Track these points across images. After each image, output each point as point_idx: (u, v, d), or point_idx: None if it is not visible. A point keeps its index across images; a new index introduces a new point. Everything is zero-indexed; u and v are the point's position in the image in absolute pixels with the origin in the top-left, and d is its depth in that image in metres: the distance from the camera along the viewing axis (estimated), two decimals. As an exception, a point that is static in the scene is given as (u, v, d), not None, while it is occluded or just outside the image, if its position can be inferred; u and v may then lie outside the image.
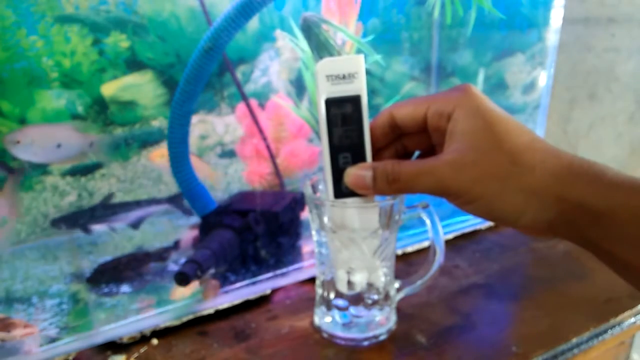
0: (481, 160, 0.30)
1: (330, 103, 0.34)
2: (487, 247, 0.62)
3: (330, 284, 0.44)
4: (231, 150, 0.62)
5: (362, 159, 0.35)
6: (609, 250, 0.29)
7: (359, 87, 0.35)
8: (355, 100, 0.34)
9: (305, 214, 0.59)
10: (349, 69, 0.34)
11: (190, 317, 0.47)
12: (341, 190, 0.36)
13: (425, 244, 0.61)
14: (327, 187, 0.36)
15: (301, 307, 0.50)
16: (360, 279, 0.42)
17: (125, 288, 0.50)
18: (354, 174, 0.35)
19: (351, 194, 0.36)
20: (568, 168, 0.30)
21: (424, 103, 0.33)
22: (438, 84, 0.73)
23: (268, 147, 0.59)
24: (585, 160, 0.30)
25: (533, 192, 0.30)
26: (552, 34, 0.71)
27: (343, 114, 0.35)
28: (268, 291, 0.52)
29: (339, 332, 0.45)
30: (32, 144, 0.46)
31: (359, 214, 0.37)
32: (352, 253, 0.40)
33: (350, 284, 0.42)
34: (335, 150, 0.35)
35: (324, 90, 0.34)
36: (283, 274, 0.54)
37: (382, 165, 0.34)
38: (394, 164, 0.33)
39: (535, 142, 0.31)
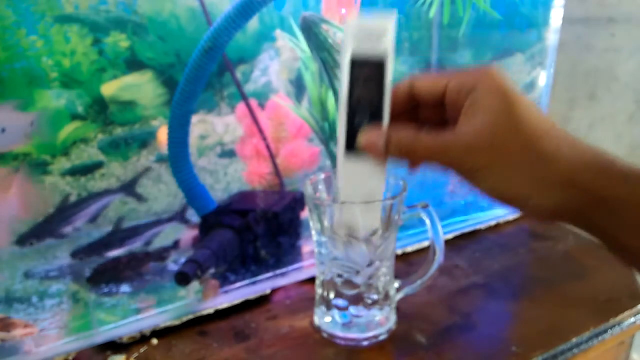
0: (496, 144, 0.30)
1: (356, 62, 0.34)
2: (487, 247, 0.62)
3: (330, 284, 0.44)
4: (231, 150, 0.62)
5: (378, 120, 0.35)
6: (615, 237, 0.30)
7: (387, 49, 0.34)
8: (381, 62, 0.34)
9: (305, 214, 0.59)
10: (379, 30, 0.33)
11: (190, 317, 0.47)
12: (352, 148, 0.35)
13: (425, 244, 0.61)
14: (338, 143, 0.35)
15: (301, 307, 0.50)
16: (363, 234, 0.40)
17: (125, 288, 0.51)
18: (368, 136, 0.34)
19: (361, 153, 0.35)
20: (581, 157, 0.30)
21: (445, 77, 0.33)
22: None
23: (268, 147, 0.59)
24: (598, 151, 0.30)
25: (543, 179, 0.30)
26: (552, 34, 0.71)
27: (367, 75, 0.34)
28: (268, 291, 0.52)
29: (339, 332, 0.45)
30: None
31: (362, 212, 0.37)
32: (354, 212, 0.39)
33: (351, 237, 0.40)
34: (353, 110, 0.34)
35: (350, 49, 0.34)
36: (283, 274, 0.54)
37: (399, 133, 0.33)
38: (410, 136, 0.33)
39: (552, 130, 0.31)
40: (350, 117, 0.35)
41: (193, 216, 0.55)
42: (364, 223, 0.38)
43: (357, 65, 0.34)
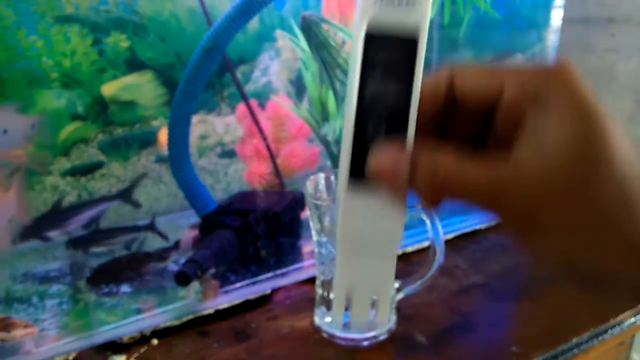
0: (579, 189, 0.20)
1: (373, 38, 0.23)
2: (487, 247, 0.62)
3: (330, 284, 0.44)
4: (231, 150, 0.62)
5: (401, 130, 0.24)
6: None
7: (420, 21, 0.23)
8: (410, 40, 0.23)
9: (305, 214, 0.59)
10: None
11: (190, 317, 0.47)
12: (361, 172, 0.24)
13: (425, 244, 0.61)
14: (341, 163, 0.24)
15: (301, 307, 0.50)
16: (361, 316, 0.27)
17: (125, 288, 0.51)
18: (384, 156, 0.23)
19: (373, 182, 0.24)
20: None
21: (501, 73, 0.23)
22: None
23: (268, 147, 0.59)
24: None
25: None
26: (552, 34, 0.71)
27: (388, 59, 0.23)
28: (268, 291, 0.52)
29: (339, 332, 0.45)
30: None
31: (370, 269, 0.27)
32: (360, 266, 0.27)
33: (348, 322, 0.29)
34: (365, 111, 0.24)
35: (367, 16, 0.23)
36: (283, 274, 0.54)
37: (432, 156, 0.22)
38: (450, 161, 0.22)
39: None
40: (359, 126, 0.24)
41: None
42: (372, 283, 0.27)
43: (375, 43, 0.23)
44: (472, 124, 0.25)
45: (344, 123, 0.25)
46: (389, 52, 0.23)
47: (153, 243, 0.56)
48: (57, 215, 0.52)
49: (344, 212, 0.25)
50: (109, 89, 0.52)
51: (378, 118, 0.24)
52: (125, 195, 0.56)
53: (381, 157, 0.23)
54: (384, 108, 0.24)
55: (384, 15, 0.23)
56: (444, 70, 0.24)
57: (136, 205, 0.57)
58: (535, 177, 0.21)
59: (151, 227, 0.56)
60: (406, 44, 0.23)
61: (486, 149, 0.25)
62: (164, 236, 0.56)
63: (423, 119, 0.24)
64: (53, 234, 0.52)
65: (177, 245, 0.56)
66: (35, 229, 0.51)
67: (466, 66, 0.24)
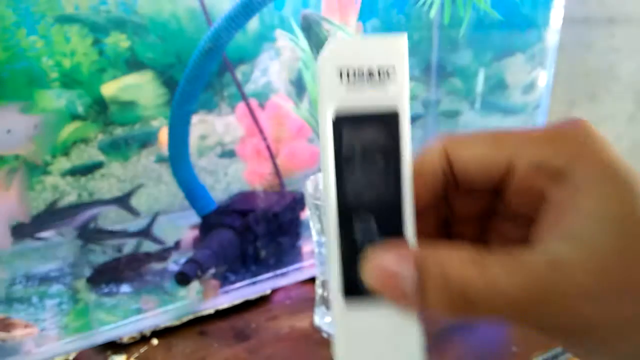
0: (635, 274, 0.16)
1: (345, 123, 0.18)
2: (487, 247, 0.62)
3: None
4: (231, 150, 0.62)
5: (397, 228, 0.19)
6: None
7: (398, 94, 0.18)
8: (390, 119, 0.19)
9: (305, 214, 0.59)
10: (382, 61, 0.18)
11: (190, 317, 0.47)
12: (355, 285, 0.19)
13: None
14: (331, 279, 0.19)
15: (301, 307, 0.50)
16: None
17: (125, 288, 0.51)
18: (380, 267, 0.18)
19: (372, 294, 0.19)
20: None
21: (507, 143, 0.19)
22: (438, 84, 0.73)
23: (268, 147, 0.59)
24: None
25: None
26: (552, 34, 0.71)
27: (367, 145, 0.19)
28: (268, 291, 0.52)
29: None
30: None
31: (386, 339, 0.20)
32: None
33: None
34: (347, 210, 0.19)
35: (333, 98, 0.18)
36: (283, 274, 0.54)
37: (441, 260, 0.17)
38: (464, 262, 0.17)
39: None
40: (345, 231, 0.19)
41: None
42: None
43: (347, 126, 0.18)
44: (477, 204, 0.21)
45: (325, 229, 0.19)
46: (367, 134, 0.19)
47: (150, 244, 0.56)
48: (51, 216, 0.52)
49: (344, 338, 0.20)
50: (109, 89, 0.52)
51: (365, 217, 0.19)
52: (123, 201, 0.56)
53: (376, 267, 0.18)
54: (372, 203, 0.19)
55: (354, 95, 0.18)
56: (434, 145, 0.20)
57: (134, 212, 0.57)
58: (577, 269, 0.16)
59: (145, 233, 0.55)
60: (386, 121, 0.19)
61: (498, 230, 0.21)
62: (159, 242, 0.56)
63: (420, 208, 0.20)
64: (46, 234, 0.52)
65: (177, 245, 0.56)
66: (28, 229, 0.51)
67: (461, 137, 0.20)
